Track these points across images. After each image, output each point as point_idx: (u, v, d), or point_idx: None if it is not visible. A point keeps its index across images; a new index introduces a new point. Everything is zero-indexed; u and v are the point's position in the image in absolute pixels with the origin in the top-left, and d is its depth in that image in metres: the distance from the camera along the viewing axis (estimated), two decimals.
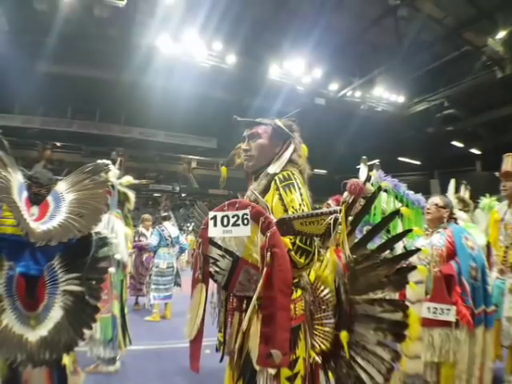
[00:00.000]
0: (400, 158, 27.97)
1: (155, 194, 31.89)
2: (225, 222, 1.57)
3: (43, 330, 2.62)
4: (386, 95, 23.28)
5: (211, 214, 1.63)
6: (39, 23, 19.32)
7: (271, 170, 1.80)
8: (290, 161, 1.84)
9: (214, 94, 25.32)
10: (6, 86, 24.32)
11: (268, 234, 1.49)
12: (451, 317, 2.74)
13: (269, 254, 1.47)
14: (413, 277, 2.94)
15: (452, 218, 3.15)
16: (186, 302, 5.08)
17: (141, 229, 7.39)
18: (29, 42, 21.27)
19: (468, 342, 2.81)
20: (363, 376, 1.64)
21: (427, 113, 23.19)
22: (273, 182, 1.75)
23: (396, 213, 2.34)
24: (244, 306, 1.66)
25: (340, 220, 1.47)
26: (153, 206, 29.19)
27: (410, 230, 2.15)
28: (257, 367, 1.51)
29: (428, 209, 3.14)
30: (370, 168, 3.89)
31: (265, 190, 1.76)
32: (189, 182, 36.15)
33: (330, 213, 1.50)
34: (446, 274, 2.84)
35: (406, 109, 24.03)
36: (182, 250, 7.04)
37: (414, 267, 1.71)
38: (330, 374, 1.79)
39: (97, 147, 27.48)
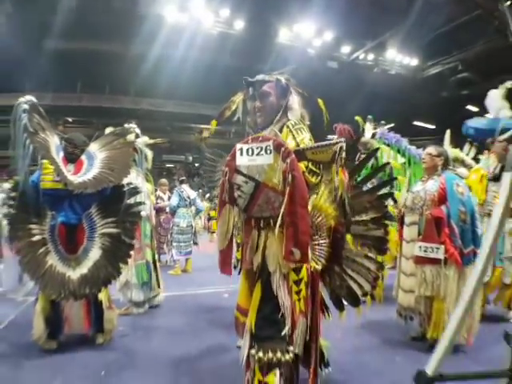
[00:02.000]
0: (415, 123, 27.63)
1: (168, 165, 32.10)
2: (250, 153, 1.93)
3: (84, 269, 3.10)
4: (399, 58, 22.82)
5: (238, 146, 1.97)
6: (43, 1, 19.18)
7: (290, 120, 2.16)
8: (292, 109, 2.20)
9: (222, 62, 25.01)
10: (15, 65, 24.40)
11: (288, 161, 1.86)
12: (440, 255, 3.04)
13: (290, 176, 1.84)
14: (408, 219, 3.33)
15: (447, 166, 3.38)
16: (204, 259, 5.63)
17: (158, 192, 7.78)
18: (34, 21, 21.10)
19: (457, 279, 3.09)
20: (354, 286, 2.09)
21: (441, 76, 22.66)
22: (285, 127, 2.12)
23: (387, 164, 2.80)
24: (261, 224, 2.03)
25: (344, 147, 1.86)
26: (167, 176, 29.58)
27: (394, 178, 2.48)
28: (271, 269, 1.97)
29: (423, 158, 3.42)
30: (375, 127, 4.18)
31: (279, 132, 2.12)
32: (201, 152, 36.34)
33: (336, 143, 1.88)
34: (435, 217, 3.13)
35: (420, 72, 23.54)
36: (198, 211, 7.57)
37: (391, 194, 2.14)
38: None
39: (108, 120, 27.84)
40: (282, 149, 1.88)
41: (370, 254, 2.10)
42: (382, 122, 4.37)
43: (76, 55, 25.01)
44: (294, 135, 2.07)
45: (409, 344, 3.23)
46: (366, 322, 3.64)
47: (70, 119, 30.34)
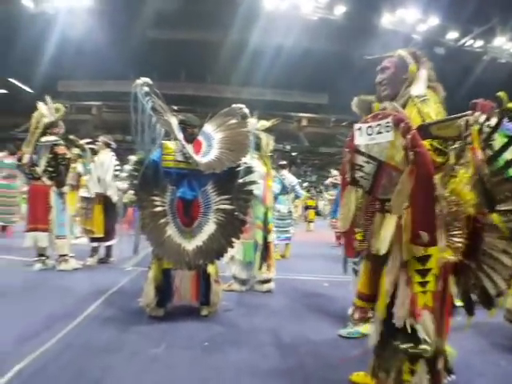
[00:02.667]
0: None
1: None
2: (369, 132, 1.84)
3: (198, 241, 3.27)
4: (508, 46, 20.66)
5: (356, 126, 1.89)
6: None
7: (415, 91, 2.01)
8: (420, 82, 2.04)
9: (321, 48, 24.57)
10: (120, 55, 26.30)
11: (409, 137, 1.71)
12: None
13: (412, 153, 1.70)
14: None
15: None
16: (302, 247, 5.87)
17: None
18: (136, 11, 22.38)
19: None
20: (488, 285, 1.80)
21: None
22: (410, 100, 1.98)
23: None
24: (386, 207, 1.91)
25: (471, 122, 1.67)
26: None
27: None
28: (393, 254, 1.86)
29: None
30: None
31: (403, 107, 1.96)
32: (299, 141, 36.22)
33: (463, 115, 1.70)
34: None
35: None
36: (296, 197, 7.56)
37: None
38: None
39: (211, 109, 28.78)
40: (402, 124, 1.74)
41: (508, 249, 1.79)
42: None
43: (179, 44, 26.21)
44: (419, 109, 1.92)
45: None
46: (474, 324, 3.31)
47: (175, 107, 32.25)
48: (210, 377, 2.37)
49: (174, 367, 2.46)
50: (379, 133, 1.80)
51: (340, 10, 20.75)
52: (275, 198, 6.79)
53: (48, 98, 5.19)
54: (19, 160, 5.26)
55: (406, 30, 21.03)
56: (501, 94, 2.01)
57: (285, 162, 7.34)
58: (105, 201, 5.59)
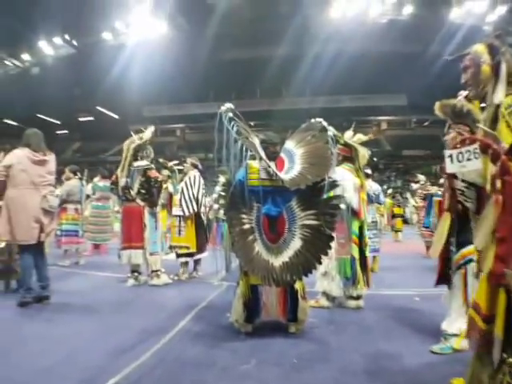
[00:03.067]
0: None
1: None
2: (460, 158, 1.76)
3: (285, 257, 3.27)
4: None
5: (447, 152, 1.83)
6: (213, 16, 21.27)
7: (495, 99, 1.85)
8: (509, 82, 1.85)
9: (393, 49, 23.90)
10: (199, 78, 27.46)
11: (498, 164, 1.58)
12: None
13: (499, 181, 1.58)
14: None
15: None
16: (389, 260, 6.16)
17: None
18: (210, 35, 23.29)
19: None
20: None
21: None
22: (499, 110, 1.80)
23: None
24: None
25: None
26: None
27: None
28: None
29: None
30: None
31: (494, 119, 1.81)
32: (380, 145, 35.09)
33: None
34: None
35: None
36: (378, 204, 7.29)
37: None
38: None
39: (286, 122, 28.92)
40: (490, 150, 1.63)
41: None
42: None
43: (252, 62, 26.92)
44: (507, 122, 1.71)
45: None
46: None
47: (252, 123, 33.05)
48: None
49: (265, 383, 2.45)
50: (468, 159, 1.74)
51: (408, 10, 20.22)
52: None
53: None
54: (113, 183, 5.67)
55: (475, 22, 19.77)
56: None
57: (369, 172, 7.06)
58: (196, 218, 5.93)
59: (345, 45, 23.06)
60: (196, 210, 5.84)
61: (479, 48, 2.01)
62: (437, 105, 2.41)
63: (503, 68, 1.88)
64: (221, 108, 3.34)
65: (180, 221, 5.95)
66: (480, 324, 1.88)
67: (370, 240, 6.30)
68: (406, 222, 16.25)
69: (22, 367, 2.60)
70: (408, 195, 16.75)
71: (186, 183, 5.91)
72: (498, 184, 1.58)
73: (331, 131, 3.71)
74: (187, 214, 5.83)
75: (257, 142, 3.46)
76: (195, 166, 6.18)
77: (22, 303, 4.07)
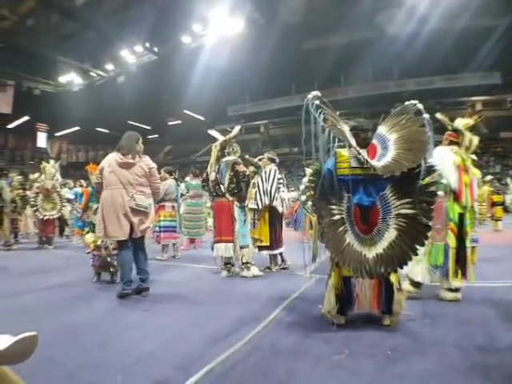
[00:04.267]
0: None
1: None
2: None
3: (379, 249, 3.17)
4: None
5: None
6: (287, 6, 21.32)
7: None
8: None
9: (485, 24, 21.96)
10: (280, 73, 27.39)
11: None
12: None
13: None
14: None
15: None
16: (488, 249, 5.87)
17: None
18: (286, 26, 23.09)
19: None
20: None
21: None
22: None
23: None
24: None
25: None
26: None
27: None
28: None
29: None
30: None
31: None
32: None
33: None
34: None
35: None
36: None
37: None
38: None
39: (375, 108, 27.61)
40: None
41: None
42: None
43: (332, 50, 26.37)
44: None
45: None
46: None
47: (338, 113, 32.35)
48: None
49: (358, 374, 2.44)
50: None
51: None
52: None
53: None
54: (204, 181, 5.97)
55: None
56: None
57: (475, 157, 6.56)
58: (271, 211, 6.02)
59: (429, 24, 21.71)
60: (268, 203, 5.92)
61: None
62: None
63: None
64: (307, 97, 3.30)
65: (254, 214, 6.11)
66: None
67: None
68: (506, 210, 14.92)
69: (123, 354, 2.78)
70: (508, 180, 15.35)
71: (261, 177, 6.03)
72: None
73: (426, 114, 3.53)
74: (260, 207, 5.97)
75: (346, 129, 3.37)
76: (272, 161, 6.27)
77: (121, 295, 4.36)
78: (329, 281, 3.44)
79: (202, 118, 37.95)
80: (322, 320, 3.41)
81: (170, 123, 42.18)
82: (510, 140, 30.02)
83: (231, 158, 5.66)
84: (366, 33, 24.79)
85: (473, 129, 4.34)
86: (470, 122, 4.33)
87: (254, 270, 5.60)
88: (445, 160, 3.90)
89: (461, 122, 4.30)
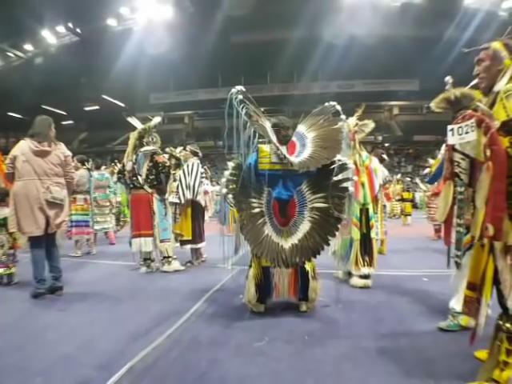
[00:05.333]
0: None
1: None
2: (459, 132, 2.02)
3: (294, 240, 3.35)
4: None
5: (450, 127, 2.09)
6: None
7: (497, 87, 2.11)
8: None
9: (406, 34, 23.60)
10: (207, 64, 27.16)
11: (488, 136, 1.87)
12: None
13: (488, 151, 1.88)
14: None
15: None
16: (397, 242, 6.69)
17: None
18: (217, 18, 22.95)
19: None
20: None
21: None
22: (498, 96, 2.07)
23: None
24: None
25: None
26: None
27: None
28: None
29: None
30: None
31: (492, 104, 2.09)
32: (391, 130, 34.80)
33: None
34: None
35: None
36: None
37: None
38: None
39: (298, 107, 28.43)
40: (483, 124, 1.91)
41: None
42: None
43: (262, 46, 26.54)
44: (504, 104, 2.01)
45: None
46: None
47: (262, 109, 32.64)
48: (313, 369, 2.43)
49: (277, 360, 2.55)
50: (466, 133, 2.00)
51: None
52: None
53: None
54: (120, 172, 5.71)
55: (490, 8, 19.41)
56: None
57: (385, 157, 6.97)
58: (193, 206, 5.93)
59: (358, 29, 22.75)
60: (190, 197, 5.81)
61: (497, 45, 2.23)
62: (433, 104, 2.57)
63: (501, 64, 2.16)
64: (231, 90, 3.35)
65: (176, 208, 6.01)
66: (470, 294, 2.13)
67: (377, 223, 6.38)
68: (415, 206, 16.28)
69: (39, 357, 2.64)
70: (417, 180, 16.70)
71: (183, 171, 5.89)
72: (488, 152, 1.88)
73: (344, 116, 3.76)
74: (183, 201, 5.84)
75: (268, 125, 3.49)
76: (195, 154, 6.12)
77: (35, 294, 4.09)
78: (249, 271, 3.55)
79: (122, 105, 36.26)
80: (242, 310, 3.52)
81: (86, 109, 39.58)
82: (423, 143, 32.47)
83: (150, 147, 5.40)
84: (294, 32, 25.27)
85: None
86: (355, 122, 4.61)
87: (175, 265, 5.52)
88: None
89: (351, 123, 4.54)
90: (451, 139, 2.09)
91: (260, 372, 2.38)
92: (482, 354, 2.34)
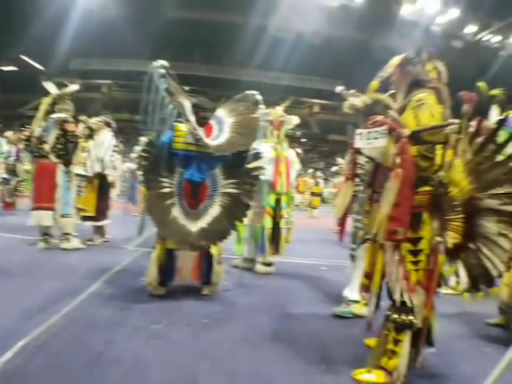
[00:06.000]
0: None
1: None
2: (368, 136, 2.08)
3: (202, 223, 3.35)
4: None
5: (359, 131, 2.15)
6: None
7: (411, 96, 2.19)
8: (423, 85, 2.20)
9: (342, 35, 24.35)
10: (136, 34, 25.95)
11: (399, 144, 1.98)
12: None
13: (398, 159, 1.97)
14: None
15: None
16: (303, 232, 6.51)
17: None
18: None
19: None
20: (488, 265, 1.97)
21: None
22: (409, 103, 2.16)
23: None
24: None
25: (455, 129, 1.98)
26: None
27: None
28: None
29: None
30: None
31: (402, 111, 2.18)
32: (309, 127, 36.02)
33: (448, 125, 1.98)
34: None
35: None
36: None
37: None
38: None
39: (224, 91, 28.27)
40: (395, 132, 2.00)
41: (505, 232, 1.93)
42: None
43: (196, 25, 25.82)
44: (415, 113, 2.11)
45: (500, 338, 3.01)
46: (460, 312, 3.53)
47: (186, 88, 31.87)
48: (208, 351, 2.47)
49: (174, 342, 2.55)
50: (376, 138, 2.04)
51: None
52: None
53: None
54: (27, 139, 5.29)
55: (425, 22, 20.81)
56: (480, 84, 2.18)
57: (299, 151, 7.19)
58: (100, 180, 5.59)
59: (293, 23, 22.97)
60: (99, 170, 5.48)
61: (396, 61, 2.36)
62: (346, 105, 2.68)
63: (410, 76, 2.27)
64: (153, 64, 3.24)
65: (81, 181, 5.57)
66: (365, 282, 2.32)
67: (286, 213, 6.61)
68: (323, 200, 17.14)
69: None
70: (327, 177, 17.61)
71: (94, 141, 5.56)
72: (398, 160, 1.97)
73: (263, 106, 3.80)
74: (90, 174, 5.50)
75: (187, 104, 3.41)
76: (108, 125, 5.77)
77: None
78: (153, 253, 3.48)
79: (42, 68, 33.18)
80: (142, 292, 3.44)
81: (3, 68, 35.71)
82: (337, 142, 33.93)
83: (62, 115, 5.03)
84: (230, 16, 24.92)
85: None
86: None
87: (75, 242, 5.16)
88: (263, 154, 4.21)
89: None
90: (359, 143, 2.14)
91: (156, 354, 2.36)
92: (371, 341, 2.51)
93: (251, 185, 3.46)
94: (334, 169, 9.93)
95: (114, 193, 6.79)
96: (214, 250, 3.54)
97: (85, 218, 5.58)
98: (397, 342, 2.14)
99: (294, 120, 4.76)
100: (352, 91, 2.78)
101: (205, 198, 3.42)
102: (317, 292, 4.00)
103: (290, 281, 4.39)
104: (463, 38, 21.87)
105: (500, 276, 1.98)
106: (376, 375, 2.17)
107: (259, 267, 4.57)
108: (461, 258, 2.08)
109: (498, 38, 21.31)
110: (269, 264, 4.59)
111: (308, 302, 3.66)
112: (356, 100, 2.52)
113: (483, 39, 21.51)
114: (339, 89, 2.84)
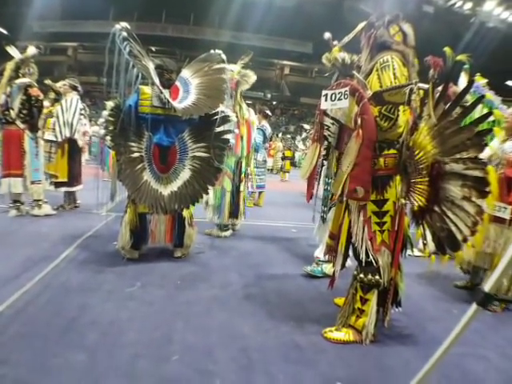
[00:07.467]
0: (508, 82, 25.00)
1: (247, 102, 32.24)
2: (332, 98, 2.11)
3: (174, 187, 3.37)
4: (498, 11, 20.50)
5: (324, 92, 2.16)
6: None
7: (378, 58, 2.22)
8: (388, 48, 2.21)
9: None
10: None
11: (360, 105, 2.00)
12: (506, 215, 2.96)
13: (359, 119, 2.00)
14: None
15: None
16: (274, 195, 6.78)
17: None
18: None
19: None
20: (453, 229, 2.00)
21: None
22: (374, 66, 2.20)
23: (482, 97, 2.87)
24: None
25: (414, 89, 2.03)
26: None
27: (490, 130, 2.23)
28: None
29: (506, 117, 3.23)
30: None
31: (369, 73, 2.23)
32: (280, 89, 35.67)
33: (408, 85, 2.03)
34: (508, 177, 3.01)
35: None
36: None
37: (490, 130, 2.11)
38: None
39: (191, 51, 27.44)
40: (357, 93, 2.03)
41: (469, 196, 1.95)
42: (478, 74, 4.02)
43: None
44: (379, 75, 2.14)
45: (467, 299, 3.19)
46: (428, 273, 3.71)
47: (153, 48, 30.87)
48: (182, 311, 2.55)
49: (149, 304, 2.61)
50: (339, 99, 2.09)
51: None
52: (257, 148, 6.84)
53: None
54: None
55: None
56: (446, 49, 2.24)
57: (269, 113, 7.13)
58: (70, 145, 5.50)
59: None
60: (68, 135, 5.39)
61: (361, 25, 2.42)
62: (326, 56, 2.66)
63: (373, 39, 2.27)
64: (115, 26, 3.15)
65: (51, 147, 5.50)
66: (330, 243, 2.41)
67: (257, 177, 6.69)
68: (293, 164, 17.29)
69: None
70: (298, 139, 17.66)
71: (61, 106, 5.41)
72: (359, 121, 2.00)
73: (229, 65, 3.70)
74: (60, 139, 5.39)
75: (151, 66, 3.32)
76: (74, 88, 5.60)
77: None
78: (124, 217, 3.48)
79: (5, 32, 31.30)
80: (115, 256, 3.48)
81: None
82: (308, 105, 33.85)
83: (26, 80, 4.88)
84: None
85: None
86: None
87: (46, 209, 5.13)
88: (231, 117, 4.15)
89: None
90: (324, 104, 2.16)
91: (131, 316, 2.41)
92: (340, 300, 2.61)
93: (221, 148, 3.46)
94: (304, 135, 9.95)
95: (83, 158, 6.64)
96: (185, 212, 3.59)
97: (58, 184, 5.50)
98: (364, 301, 2.23)
99: (252, 77, 4.59)
100: (335, 42, 2.80)
101: (174, 162, 3.41)
102: (287, 253, 4.14)
103: (262, 243, 4.51)
104: (435, 3, 21.72)
105: (465, 240, 1.98)
106: (345, 333, 2.27)
107: (214, 231, 4.63)
108: (426, 221, 2.11)
109: (469, 5, 21.28)
110: (225, 227, 4.63)
111: (279, 263, 3.78)
112: (341, 55, 2.54)
113: (455, 6, 21.40)
114: (327, 35, 2.86)
